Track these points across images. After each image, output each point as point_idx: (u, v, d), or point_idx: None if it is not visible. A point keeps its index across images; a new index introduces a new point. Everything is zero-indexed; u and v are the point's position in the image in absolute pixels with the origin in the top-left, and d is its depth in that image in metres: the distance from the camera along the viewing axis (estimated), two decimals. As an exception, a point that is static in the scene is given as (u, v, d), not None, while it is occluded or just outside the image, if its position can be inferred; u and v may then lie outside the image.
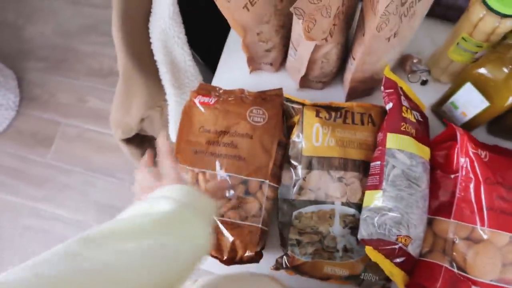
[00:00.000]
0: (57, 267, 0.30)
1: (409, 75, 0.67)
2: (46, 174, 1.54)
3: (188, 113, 0.60)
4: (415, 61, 0.66)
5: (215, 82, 0.71)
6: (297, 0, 0.44)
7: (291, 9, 0.45)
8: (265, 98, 0.60)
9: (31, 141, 1.60)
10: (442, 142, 0.58)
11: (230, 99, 0.60)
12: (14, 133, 1.62)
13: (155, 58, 0.68)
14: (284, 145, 0.59)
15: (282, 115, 0.60)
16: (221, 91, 0.62)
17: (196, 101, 0.60)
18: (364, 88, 0.64)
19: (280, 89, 0.62)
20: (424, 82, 0.67)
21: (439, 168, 0.56)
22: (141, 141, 0.82)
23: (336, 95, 0.68)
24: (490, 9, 0.49)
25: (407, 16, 0.52)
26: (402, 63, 0.67)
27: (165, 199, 0.40)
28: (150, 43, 0.68)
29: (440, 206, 0.54)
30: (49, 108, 1.64)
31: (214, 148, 0.57)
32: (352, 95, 0.65)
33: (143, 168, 0.49)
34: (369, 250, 0.49)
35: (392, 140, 0.53)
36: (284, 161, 0.59)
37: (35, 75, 1.70)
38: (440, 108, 0.63)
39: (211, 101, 0.59)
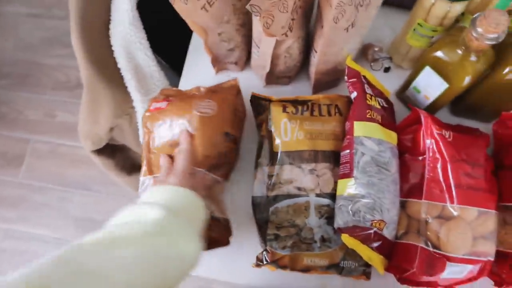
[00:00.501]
0: (50, 271, 0.31)
1: (371, 64, 0.68)
2: (19, 194, 1.50)
3: (145, 124, 0.60)
4: (376, 49, 0.67)
5: (182, 85, 0.71)
6: (253, -3, 0.45)
7: (247, 7, 0.45)
8: (216, 90, 0.61)
9: (0, 162, 1.55)
10: (408, 126, 0.59)
11: (182, 98, 0.60)
12: (-18, 155, 1.56)
13: (119, 65, 0.67)
14: (233, 138, 0.60)
15: (235, 106, 0.61)
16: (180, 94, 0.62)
17: (152, 108, 0.60)
18: (328, 79, 0.65)
19: (235, 79, 0.62)
20: (386, 69, 0.68)
21: (407, 152, 0.58)
22: (112, 151, 0.81)
23: (303, 89, 0.69)
24: (440, -6, 0.51)
25: (362, 5, 0.53)
26: (364, 52, 0.68)
27: (157, 207, 0.42)
28: (112, 51, 0.67)
29: (411, 188, 0.56)
30: (17, 126, 1.60)
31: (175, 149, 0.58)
32: (318, 87, 0.66)
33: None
34: (345, 238, 0.50)
35: (359, 128, 0.54)
36: (234, 154, 0.60)
37: (-1, 92, 1.65)
38: (404, 93, 0.65)
39: (163, 105, 0.59)
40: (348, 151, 0.54)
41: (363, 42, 0.66)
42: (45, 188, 1.50)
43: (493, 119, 0.62)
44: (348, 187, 0.52)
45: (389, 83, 0.66)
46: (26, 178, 1.52)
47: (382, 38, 0.70)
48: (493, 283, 0.56)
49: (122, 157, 0.86)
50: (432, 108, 0.62)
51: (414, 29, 0.59)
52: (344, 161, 0.54)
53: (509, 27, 0.47)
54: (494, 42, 0.47)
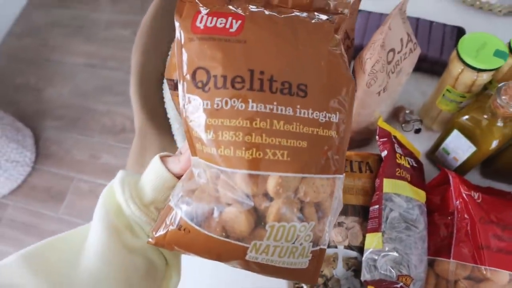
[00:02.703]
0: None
1: (403, 125, 0.72)
2: (58, 228, 1.57)
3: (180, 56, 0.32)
4: (407, 111, 0.71)
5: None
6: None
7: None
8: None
9: (44, 196, 1.65)
10: (437, 186, 0.61)
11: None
12: (28, 189, 1.67)
13: (168, 115, 0.75)
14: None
15: None
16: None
17: (199, 24, 0.32)
18: (361, 138, 0.69)
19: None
20: (417, 131, 0.72)
21: (436, 211, 0.59)
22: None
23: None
24: (466, 65, 0.55)
25: (394, 72, 0.58)
26: (396, 114, 0.72)
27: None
28: (164, 103, 0.75)
29: (440, 247, 0.56)
30: (64, 164, 1.71)
31: None
32: (350, 145, 0.70)
33: None
34: (371, 290, 0.51)
35: (388, 185, 0.56)
36: None
37: (52, 133, 1.79)
38: (434, 154, 0.68)
39: (231, 24, 0.32)
40: (377, 206, 0.56)
41: (395, 105, 0.71)
42: (82, 225, 1.57)
43: (525, 184, 0.63)
44: (376, 241, 0.54)
45: (420, 144, 0.69)
46: (65, 214, 1.60)
47: (413, 101, 0.74)
48: None
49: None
50: (461, 170, 0.64)
51: (443, 95, 0.63)
52: (373, 216, 0.56)
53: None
54: (519, 111, 0.50)
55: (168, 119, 0.74)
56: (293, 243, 0.33)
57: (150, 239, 0.36)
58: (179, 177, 0.40)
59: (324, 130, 0.32)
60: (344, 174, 0.36)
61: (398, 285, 0.51)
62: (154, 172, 0.41)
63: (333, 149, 0.33)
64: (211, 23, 0.32)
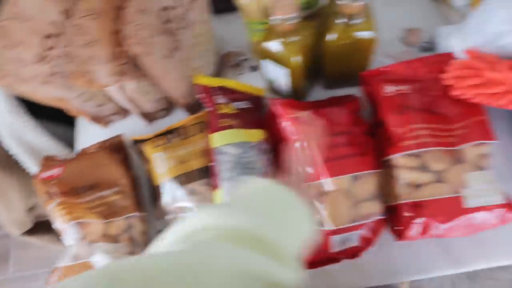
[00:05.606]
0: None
1: (236, 70, 0.70)
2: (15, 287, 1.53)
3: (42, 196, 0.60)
4: (235, 55, 0.69)
5: (81, 143, 0.73)
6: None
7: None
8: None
9: (-13, 264, 1.58)
10: (274, 117, 0.61)
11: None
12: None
13: (11, 153, 0.71)
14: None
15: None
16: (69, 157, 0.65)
17: (43, 175, 0.61)
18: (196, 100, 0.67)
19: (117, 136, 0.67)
20: (254, 69, 0.70)
21: (282, 141, 0.59)
22: (49, 226, 0.83)
23: (184, 115, 0.71)
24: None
25: (185, 28, 0.55)
26: (226, 61, 0.70)
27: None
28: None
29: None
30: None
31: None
32: (190, 110, 0.68)
33: None
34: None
35: (216, 139, 0.56)
36: None
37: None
38: (272, 87, 0.67)
39: (54, 172, 0.61)
40: (213, 163, 0.56)
41: (220, 53, 0.69)
42: (37, 274, 1.53)
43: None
44: (219, 197, 0.54)
45: (263, 81, 0.67)
46: (16, 271, 1.55)
47: (239, 43, 0.71)
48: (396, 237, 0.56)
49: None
50: (296, 93, 0.64)
51: (250, 28, 0.61)
52: (212, 174, 0.56)
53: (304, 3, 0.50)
54: (294, 21, 0.50)
55: (14, 156, 0.70)
56: None
57: None
58: None
59: None
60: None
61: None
62: None
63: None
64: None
